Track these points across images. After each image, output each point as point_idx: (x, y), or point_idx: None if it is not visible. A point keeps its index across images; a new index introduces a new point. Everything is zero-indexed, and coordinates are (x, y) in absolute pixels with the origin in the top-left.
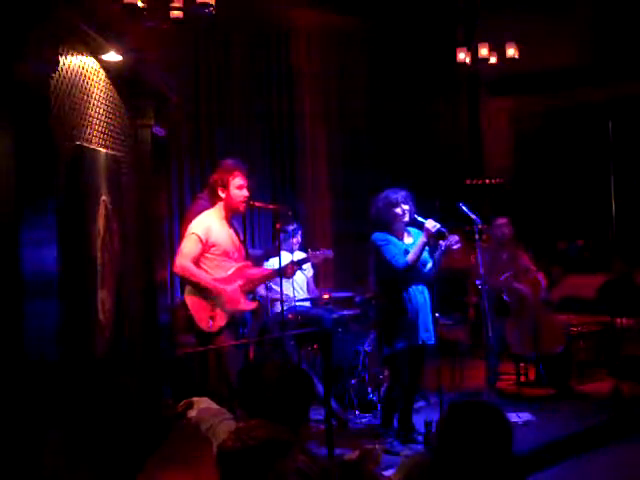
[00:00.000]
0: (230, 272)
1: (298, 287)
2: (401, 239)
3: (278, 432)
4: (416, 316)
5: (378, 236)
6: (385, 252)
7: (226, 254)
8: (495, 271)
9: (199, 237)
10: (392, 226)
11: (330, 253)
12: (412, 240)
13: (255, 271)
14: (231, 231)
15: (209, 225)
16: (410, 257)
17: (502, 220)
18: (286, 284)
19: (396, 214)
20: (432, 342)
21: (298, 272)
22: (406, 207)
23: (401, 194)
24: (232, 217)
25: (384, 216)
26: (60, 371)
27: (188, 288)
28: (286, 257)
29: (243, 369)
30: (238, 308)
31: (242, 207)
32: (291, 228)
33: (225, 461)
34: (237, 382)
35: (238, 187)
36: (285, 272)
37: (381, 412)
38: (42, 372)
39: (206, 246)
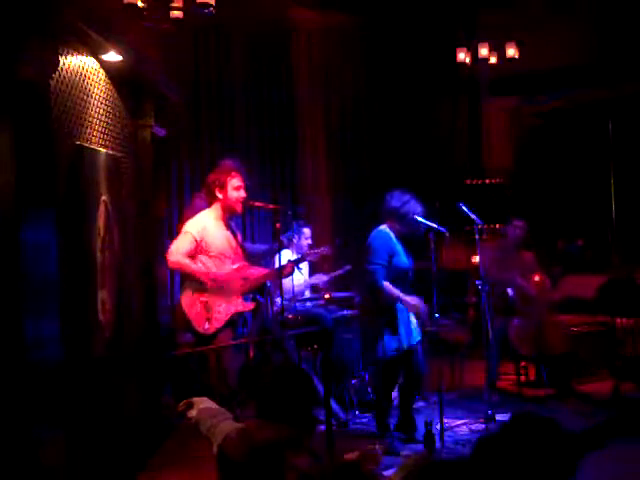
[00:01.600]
0: (228, 272)
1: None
2: (399, 240)
3: (281, 433)
4: (408, 316)
5: (386, 235)
6: (373, 257)
7: (222, 255)
8: (504, 269)
9: (193, 236)
10: (401, 227)
11: (327, 250)
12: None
13: (253, 271)
14: (227, 232)
15: (204, 225)
16: (387, 288)
17: (520, 222)
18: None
19: (416, 224)
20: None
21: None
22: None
23: (421, 209)
24: (229, 218)
25: (402, 216)
26: (60, 371)
27: (184, 288)
28: (288, 255)
29: (247, 369)
30: (234, 289)
31: (239, 208)
32: (296, 227)
33: (227, 461)
34: (237, 381)
35: (235, 188)
36: (283, 271)
37: (375, 418)
38: (43, 372)
39: (200, 246)
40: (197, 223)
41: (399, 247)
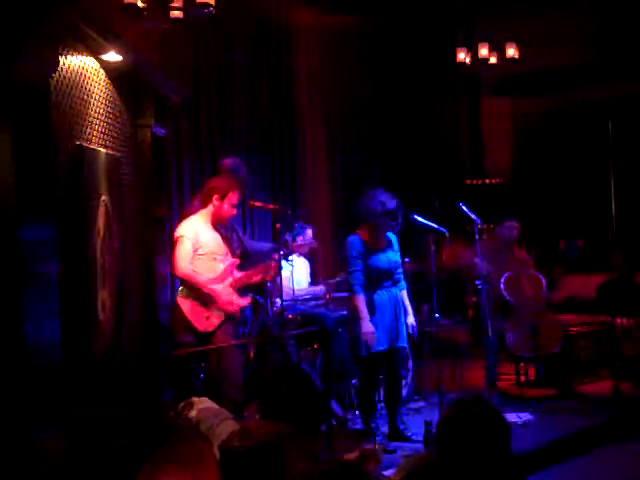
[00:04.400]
0: (219, 272)
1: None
2: (377, 244)
3: (283, 431)
4: (380, 320)
5: (354, 242)
6: (350, 264)
7: (213, 255)
8: (497, 270)
9: (189, 239)
10: (375, 229)
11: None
12: (392, 241)
13: (240, 275)
14: (216, 234)
15: (195, 228)
16: (358, 299)
17: (512, 223)
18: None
19: (390, 225)
20: (402, 344)
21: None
22: (398, 219)
23: (395, 203)
24: (216, 223)
25: (373, 220)
26: (60, 371)
27: (181, 289)
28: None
29: (249, 370)
30: (230, 309)
31: (227, 222)
32: (299, 227)
33: (227, 461)
34: (242, 381)
35: (233, 204)
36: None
37: (359, 415)
38: (42, 372)
39: (194, 247)
40: (188, 225)
41: (375, 248)
